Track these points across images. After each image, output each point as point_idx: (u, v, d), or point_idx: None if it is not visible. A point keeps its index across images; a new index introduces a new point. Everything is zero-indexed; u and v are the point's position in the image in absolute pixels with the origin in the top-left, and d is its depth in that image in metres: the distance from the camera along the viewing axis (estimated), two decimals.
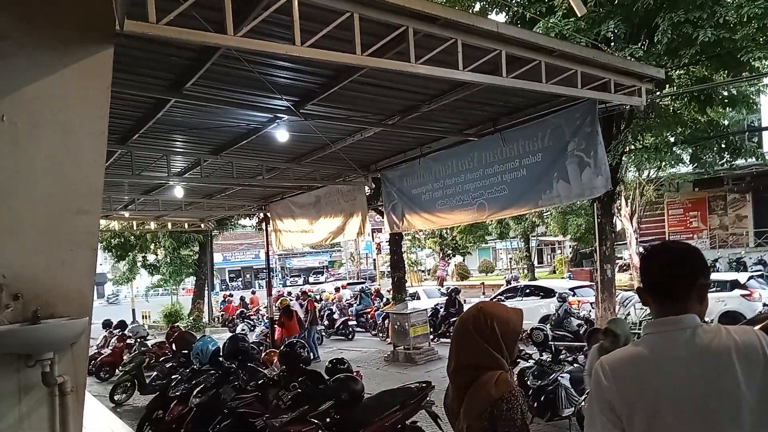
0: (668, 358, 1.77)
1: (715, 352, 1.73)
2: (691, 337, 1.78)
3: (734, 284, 14.16)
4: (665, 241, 2.20)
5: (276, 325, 15.18)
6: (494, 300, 17.57)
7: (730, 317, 12.91)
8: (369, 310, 20.39)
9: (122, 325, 16.00)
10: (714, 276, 17.26)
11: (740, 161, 16.13)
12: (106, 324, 16.77)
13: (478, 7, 11.88)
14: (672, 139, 12.89)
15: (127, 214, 17.38)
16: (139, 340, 14.17)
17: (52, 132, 2.97)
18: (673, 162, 15.79)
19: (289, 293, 27.70)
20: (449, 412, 2.41)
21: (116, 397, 11.16)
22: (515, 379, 7.32)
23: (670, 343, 1.79)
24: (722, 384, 1.70)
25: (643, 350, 1.84)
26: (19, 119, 2.86)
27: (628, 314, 14.45)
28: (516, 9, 11.17)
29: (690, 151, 14.68)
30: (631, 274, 23.61)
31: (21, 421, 3.06)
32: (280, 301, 16.04)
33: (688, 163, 16.45)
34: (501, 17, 11.85)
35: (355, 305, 21.78)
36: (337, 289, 26.99)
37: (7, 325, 2.89)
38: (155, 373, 11.10)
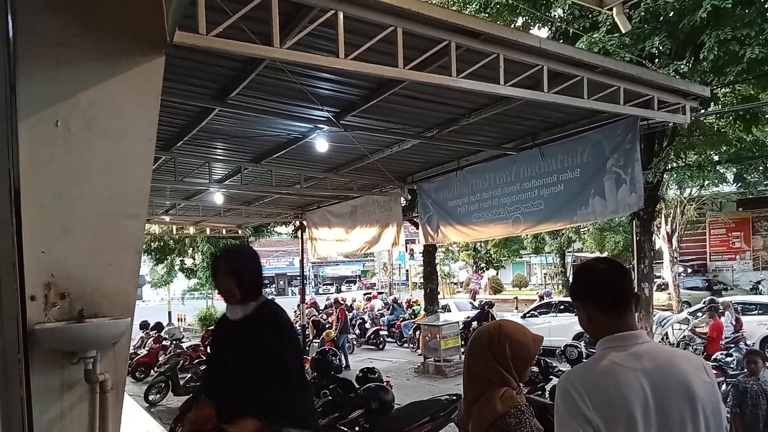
0: (637, 370, 1.80)
1: (679, 368, 1.83)
2: (651, 350, 1.86)
3: None
4: (599, 257, 2.23)
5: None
6: (528, 314, 17.41)
7: None
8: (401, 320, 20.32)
9: (159, 326, 16.29)
10: (757, 299, 16.75)
11: None
12: (144, 325, 17.09)
13: (520, 22, 11.86)
14: (716, 158, 12.62)
15: (167, 219, 17.73)
16: (174, 342, 14.43)
17: (104, 137, 3.05)
18: (716, 181, 15.47)
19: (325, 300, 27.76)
20: (460, 426, 2.44)
21: (151, 397, 11.36)
22: (546, 397, 7.27)
23: (634, 356, 1.83)
24: (689, 396, 1.79)
25: (611, 363, 1.84)
26: (72, 124, 2.95)
27: (666, 335, 14.13)
28: (559, 24, 11.10)
29: (734, 170, 14.36)
30: (669, 294, 23.07)
31: (63, 416, 3.15)
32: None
33: (732, 182, 16.07)
34: (543, 32, 11.81)
35: (386, 315, 21.75)
36: (368, 299, 27.04)
37: (54, 322, 2.99)
38: (189, 375, 11.31)
